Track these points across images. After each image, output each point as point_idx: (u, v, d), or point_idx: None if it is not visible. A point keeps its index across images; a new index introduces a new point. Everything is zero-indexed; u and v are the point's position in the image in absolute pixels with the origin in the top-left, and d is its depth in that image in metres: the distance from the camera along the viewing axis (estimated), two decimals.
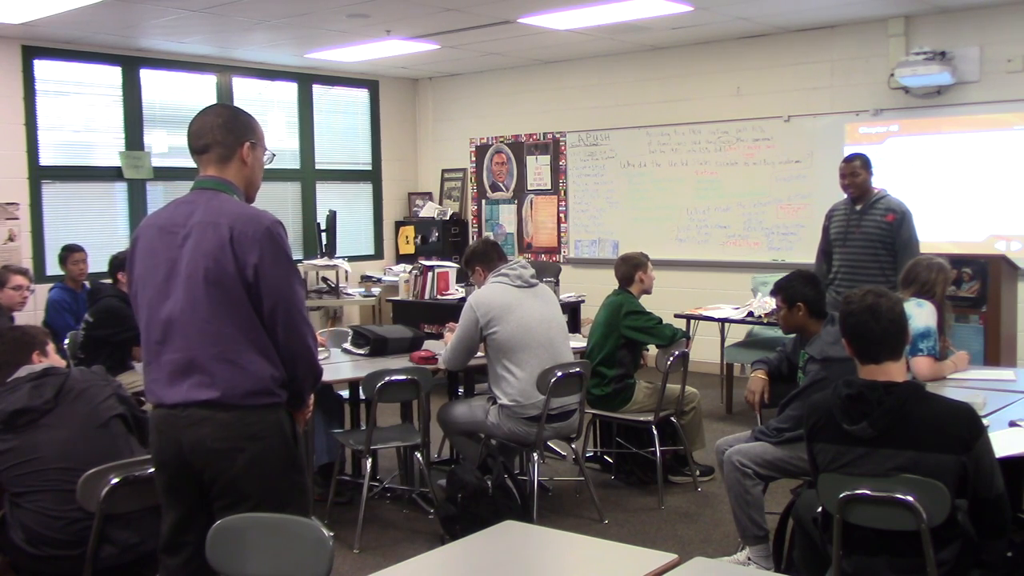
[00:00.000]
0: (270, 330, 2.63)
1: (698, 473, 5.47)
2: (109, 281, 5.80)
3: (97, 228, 8.40)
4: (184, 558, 2.69)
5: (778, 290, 4.21)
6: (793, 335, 4.33)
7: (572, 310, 7.71)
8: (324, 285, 9.24)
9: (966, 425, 2.77)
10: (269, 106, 9.85)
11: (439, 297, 7.73)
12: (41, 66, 8.15)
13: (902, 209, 5.83)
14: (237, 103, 9.37)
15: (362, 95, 10.59)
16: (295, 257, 9.44)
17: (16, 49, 7.95)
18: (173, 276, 2.63)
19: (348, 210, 10.23)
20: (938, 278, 4.50)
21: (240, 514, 2.56)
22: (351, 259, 9.67)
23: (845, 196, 6.03)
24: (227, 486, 2.62)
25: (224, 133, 2.74)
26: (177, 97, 8.93)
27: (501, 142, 10.34)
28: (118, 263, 5.60)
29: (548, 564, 2.37)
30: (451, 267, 8.03)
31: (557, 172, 9.88)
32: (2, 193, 7.88)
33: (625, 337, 5.27)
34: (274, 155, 2.95)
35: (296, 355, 2.68)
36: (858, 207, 5.91)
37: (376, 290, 9.52)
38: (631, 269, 5.46)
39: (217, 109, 2.81)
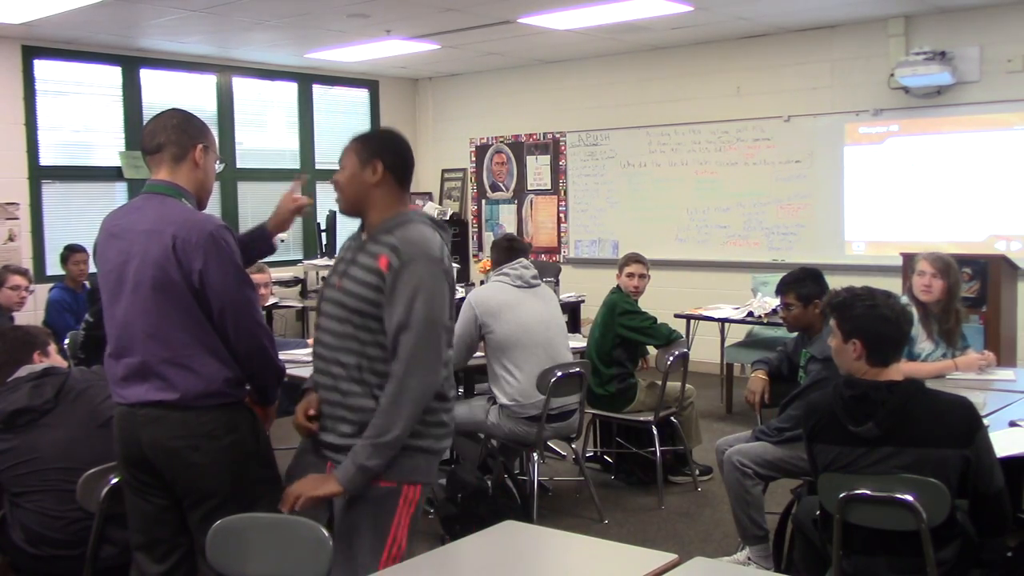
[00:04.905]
0: (221, 333, 2.65)
1: (697, 473, 5.48)
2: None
3: (97, 228, 8.36)
4: (171, 564, 2.73)
5: (789, 288, 4.18)
6: (795, 334, 4.33)
7: (572, 310, 7.69)
8: None
9: (966, 419, 2.79)
10: (269, 106, 9.85)
11: None
12: (41, 66, 8.15)
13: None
14: (237, 103, 9.39)
15: (362, 95, 10.59)
16: (297, 258, 9.55)
17: (16, 49, 7.95)
18: (123, 283, 2.67)
19: None
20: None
21: (208, 511, 2.60)
22: None
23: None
24: (189, 484, 2.66)
25: (179, 133, 2.75)
26: (177, 97, 8.92)
27: (501, 142, 10.34)
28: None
29: (548, 564, 2.37)
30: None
31: (557, 172, 9.88)
32: (2, 193, 7.88)
33: (620, 336, 5.28)
34: (224, 163, 2.96)
35: (251, 355, 2.71)
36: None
37: None
38: (618, 268, 5.53)
39: (172, 112, 2.82)
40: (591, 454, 5.77)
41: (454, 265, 2.63)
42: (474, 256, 10.56)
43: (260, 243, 3.12)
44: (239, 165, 9.39)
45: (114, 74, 8.60)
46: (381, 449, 2.46)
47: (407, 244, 2.51)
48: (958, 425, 2.77)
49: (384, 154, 2.63)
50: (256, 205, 9.51)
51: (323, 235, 9.27)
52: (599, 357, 5.28)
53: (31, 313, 6.83)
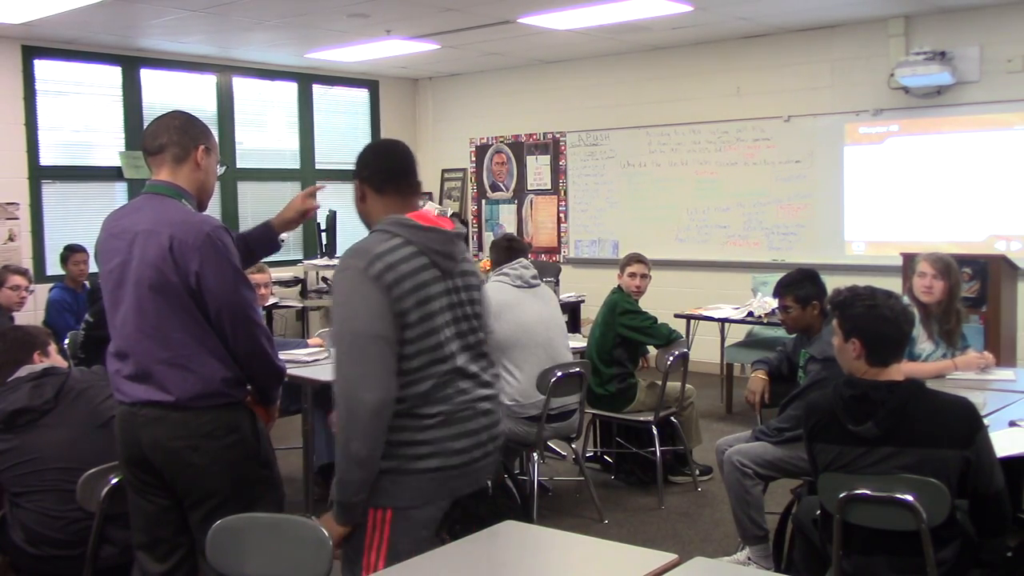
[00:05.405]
0: (220, 334, 2.66)
1: (698, 473, 5.48)
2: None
3: (97, 228, 8.17)
4: (172, 564, 2.73)
5: (787, 291, 4.18)
6: (794, 335, 4.33)
7: (572, 310, 7.70)
8: (324, 285, 9.24)
9: (966, 419, 2.79)
10: (269, 106, 9.85)
11: None
12: (41, 66, 8.14)
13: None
14: (237, 103, 9.39)
15: (362, 95, 10.59)
16: (297, 258, 9.55)
17: (16, 49, 7.95)
18: (122, 283, 2.67)
19: (348, 210, 10.13)
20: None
21: (208, 511, 2.60)
22: None
23: None
24: (189, 484, 2.66)
25: (181, 134, 2.76)
26: (177, 97, 8.92)
27: (501, 142, 10.34)
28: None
29: (548, 564, 2.37)
30: None
31: (557, 172, 9.88)
32: (2, 193, 7.88)
33: (621, 336, 5.28)
34: (226, 167, 2.96)
35: (250, 356, 2.71)
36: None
37: None
38: (620, 268, 5.55)
39: (174, 113, 2.83)
40: (591, 454, 5.77)
41: (432, 270, 2.51)
42: (474, 256, 10.56)
43: (265, 241, 3.12)
44: (239, 165, 9.39)
45: (114, 74, 8.59)
46: (339, 485, 2.40)
47: (344, 255, 2.41)
48: (958, 426, 2.77)
49: (360, 171, 2.57)
50: (256, 205, 9.51)
51: (323, 235, 9.27)
52: (599, 357, 5.28)
53: (31, 313, 6.83)
